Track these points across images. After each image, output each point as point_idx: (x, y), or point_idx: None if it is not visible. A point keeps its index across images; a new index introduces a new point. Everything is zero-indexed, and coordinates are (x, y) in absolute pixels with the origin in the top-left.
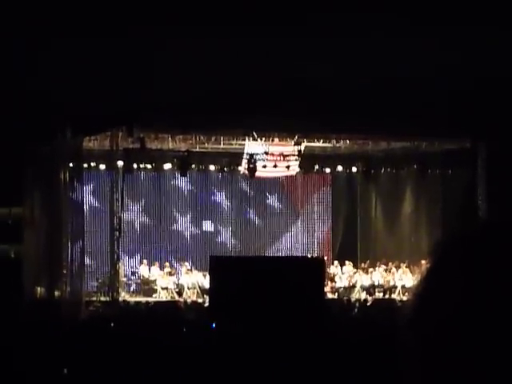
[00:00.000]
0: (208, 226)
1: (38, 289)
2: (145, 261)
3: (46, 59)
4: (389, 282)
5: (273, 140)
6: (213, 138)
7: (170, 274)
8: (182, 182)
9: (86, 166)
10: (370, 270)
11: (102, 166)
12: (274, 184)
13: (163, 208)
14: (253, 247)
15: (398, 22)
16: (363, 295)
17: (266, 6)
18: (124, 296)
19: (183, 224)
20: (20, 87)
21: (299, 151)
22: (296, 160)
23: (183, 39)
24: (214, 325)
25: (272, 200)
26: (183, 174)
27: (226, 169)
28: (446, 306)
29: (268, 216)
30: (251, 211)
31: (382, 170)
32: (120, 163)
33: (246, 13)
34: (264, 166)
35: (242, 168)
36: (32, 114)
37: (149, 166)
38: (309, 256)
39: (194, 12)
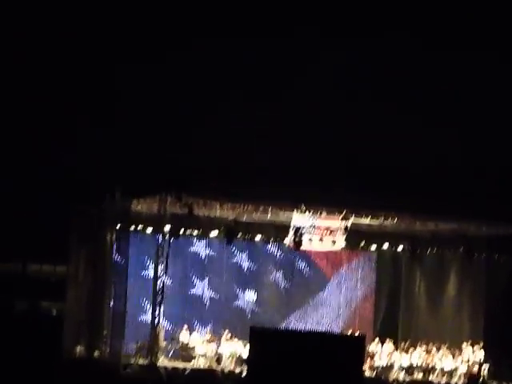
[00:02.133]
0: (250, 296)
1: (78, 348)
2: (185, 326)
3: (99, 121)
4: (428, 363)
5: (320, 214)
6: (260, 208)
7: (210, 341)
8: (227, 251)
9: (132, 228)
10: (410, 350)
11: (149, 230)
12: (318, 258)
13: (205, 275)
14: (293, 320)
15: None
16: (402, 375)
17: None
18: (162, 361)
19: (224, 292)
20: (71, 149)
21: (346, 227)
22: (342, 235)
23: (236, 105)
24: None
25: (315, 274)
26: (229, 243)
27: (272, 240)
28: None
29: (311, 291)
30: (294, 285)
31: (428, 251)
32: (167, 227)
33: (298, 88)
34: (310, 240)
35: (288, 240)
36: (81, 175)
37: (195, 232)
38: (349, 333)
39: (243, 80)
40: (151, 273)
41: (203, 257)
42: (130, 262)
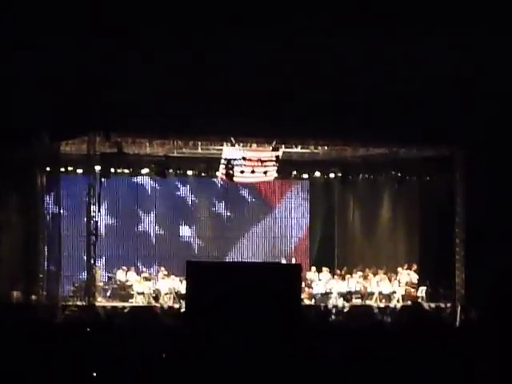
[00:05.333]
0: (185, 230)
1: (14, 293)
2: (122, 266)
3: (23, 61)
4: (366, 288)
5: (250, 146)
6: (190, 143)
7: (147, 279)
8: (156, 186)
9: (62, 170)
10: (347, 276)
11: (79, 171)
12: (250, 189)
13: (137, 212)
14: (229, 253)
15: (376, 30)
16: (340, 302)
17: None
18: (100, 301)
19: (157, 228)
20: None
21: (277, 157)
22: (274, 166)
23: (160, 40)
24: None
25: (248, 206)
26: (163, 178)
27: (203, 174)
28: None
29: (244, 221)
30: (227, 216)
31: (360, 176)
32: (97, 168)
33: (240, 18)
34: (242, 172)
35: (220, 173)
36: (6, 119)
37: (126, 171)
38: (285, 262)
39: (177, 14)
40: (85, 213)
41: (149, 191)
42: (62, 204)
